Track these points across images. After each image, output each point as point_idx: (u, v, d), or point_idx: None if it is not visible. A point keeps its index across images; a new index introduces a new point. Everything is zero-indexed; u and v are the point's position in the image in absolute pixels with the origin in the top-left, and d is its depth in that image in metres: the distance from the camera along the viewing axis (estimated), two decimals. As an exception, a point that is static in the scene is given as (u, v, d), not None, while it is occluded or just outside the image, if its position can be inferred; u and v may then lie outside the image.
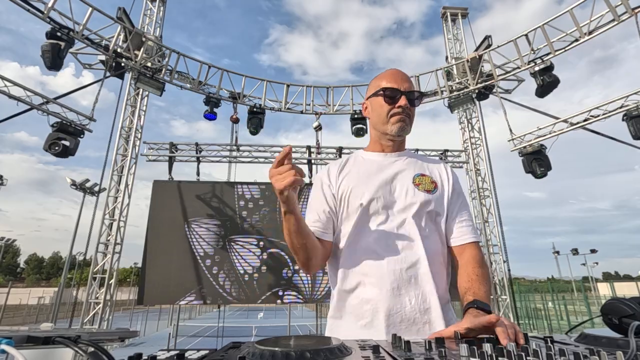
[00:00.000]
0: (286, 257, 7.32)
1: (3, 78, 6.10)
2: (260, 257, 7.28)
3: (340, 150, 8.71)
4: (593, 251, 35.19)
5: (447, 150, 8.88)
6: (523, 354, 0.50)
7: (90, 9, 6.74)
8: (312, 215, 1.25)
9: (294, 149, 8.11)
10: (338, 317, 1.19)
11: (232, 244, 7.31)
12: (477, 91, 8.57)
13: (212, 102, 8.34)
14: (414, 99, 1.24)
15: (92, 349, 0.50)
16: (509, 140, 8.12)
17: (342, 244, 1.22)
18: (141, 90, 8.10)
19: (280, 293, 7.14)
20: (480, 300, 0.98)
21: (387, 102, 1.24)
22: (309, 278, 7.22)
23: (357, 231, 1.19)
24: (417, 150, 8.65)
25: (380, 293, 1.11)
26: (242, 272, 7.15)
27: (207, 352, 0.69)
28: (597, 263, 39.71)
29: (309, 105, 8.99)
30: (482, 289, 1.04)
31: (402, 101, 1.22)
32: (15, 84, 6.23)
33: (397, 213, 1.18)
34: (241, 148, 8.62)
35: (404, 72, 1.31)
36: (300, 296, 7.20)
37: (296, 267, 7.25)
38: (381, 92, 1.25)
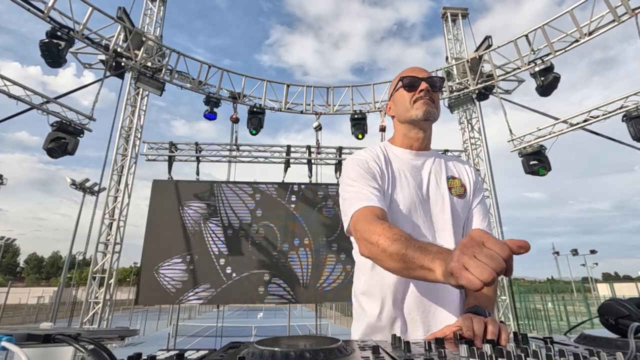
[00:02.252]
0: (286, 257, 7.32)
1: (3, 77, 6.10)
2: (260, 257, 7.28)
3: (340, 150, 8.72)
4: (593, 252, 35.19)
5: (447, 151, 8.87)
6: (523, 354, 0.50)
7: (91, 8, 6.74)
8: (368, 190, 1.09)
9: (294, 149, 7.99)
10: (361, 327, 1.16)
11: (232, 243, 7.31)
12: (477, 91, 8.58)
13: (212, 102, 8.34)
14: (435, 84, 1.22)
15: (93, 347, 0.50)
16: (508, 141, 8.12)
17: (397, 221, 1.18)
18: (141, 90, 8.10)
19: (279, 293, 7.14)
20: (480, 305, 0.96)
21: (408, 91, 1.22)
22: (309, 276, 7.22)
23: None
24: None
25: (408, 302, 1.10)
26: (241, 271, 7.14)
27: (206, 352, 0.69)
28: (596, 264, 39.77)
29: (309, 105, 8.99)
30: (486, 291, 0.99)
31: (423, 85, 1.20)
32: (15, 83, 6.23)
33: (434, 219, 1.17)
34: (241, 148, 8.62)
35: (429, 72, 1.31)
36: (297, 296, 7.20)
37: (292, 266, 7.25)
38: (400, 82, 1.25)
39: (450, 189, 1.21)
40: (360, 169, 1.17)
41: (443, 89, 8.75)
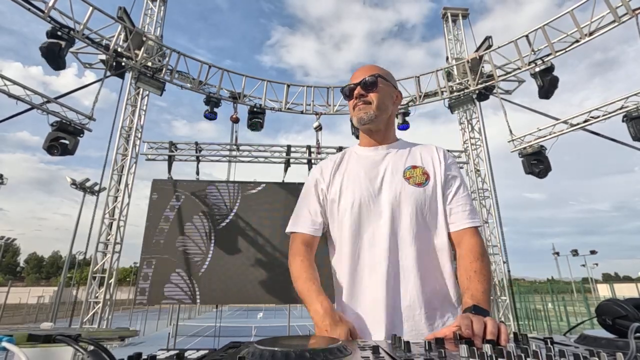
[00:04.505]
0: (284, 257, 7.31)
1: (3, 77, 6.11)
2: (260, 256, 7.28)
3: (340, 150, 8.72)
4: (593, 252, 35.18)
5: (448, 151, 8.86)
6: (523, 355, 0.50)
7: (91, 8, 6.75)
8: (304, 214, 1.29)
9: (294, 149, 8.04)
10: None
11: (232, 243, 7.31)
12: (477, 92, 8.58)
13: (213, 102, 8.35)
14: (367, 85, 1.22)
15: (93, 347, 0.50)
16: (509, 141, 8.13)
17: (337, 246, 1.25)
18: (141, 89, 8.11)
19: (278, 292, 7.14)
20: (479, 305, 0.95)
21: (348, 99, 1.29)
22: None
23: (350, 233, 1.19)
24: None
25: (372, 295, 1.12)
26: (241, 271, 7.14)
27: (206, 351, 0.69)
28: (596, 264, 39.76)
29: (309, 105, 8.99)
30: (480, 289, 1.01)
31: (357, 91, 1.24)
32: (15, 83, 6.24)
33: (388, 211, 1.15)
34: (241, 148, 8.62)
35: (369, 65, 1.31)
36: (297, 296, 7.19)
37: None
38: (343, 93, 1.31)
39: (408, 178, 1.19)
40: (308, 185, 1.34)
41: (443, 90, 8.74)
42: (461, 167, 8.96)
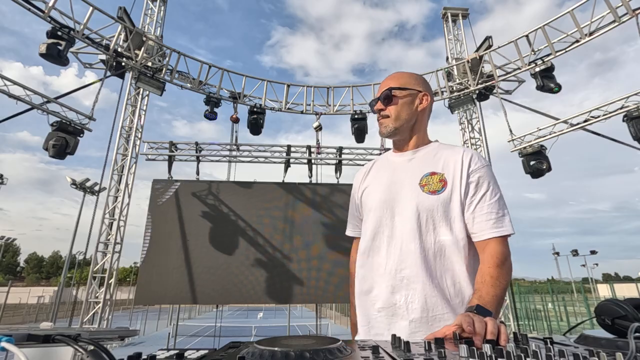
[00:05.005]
0: (286, 257, 7.32)
1: (3, 77, 6.10)
2: (260, 256, 7.28)
3: (340, 151, 8.72)
4: (593, 252, 35.17)
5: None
6: (522, 354, 0.50)
7: (91, 8, 6.74)
8: (351, 220, 1.50)
9: (294, 149, 8.05)
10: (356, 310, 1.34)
11: (232, 243, 7.31)
12: (477, 92, 8.57)
13: (213, 102, 8.34)
14: (383, 99, 1.29)
15: (92, 347, 0.50)
16: (509, 141, 8.12)
17: (360, 246, 1.35)
18: (141, 89, 8.10)
19: (278, 292, 7.13)
20: (483, 305, 0.94)
21: (374, 113, 1.37)
22: (303, 276, 7.21)
23: (368, 234, 1.28)
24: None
25: (378, 293, 1.20)
26: (241, 271, 7.14)
27: (206, 351, 0.69)
28: (597, 264, 39.73)
29: (310, 105, 8.99)
30: (492, 293, 1.00)
31: (377, 106, 1.32)
32: (15, 83, 6.23)
33: (399, 217, 1.21)
34: (241, 148, 8.62)
35: (389, 76, 1.34)
36: (297, 296, 7.20)
37: (292, 266, 7.25)
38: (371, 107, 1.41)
39: (423, 186, 1.20)
40: (353, 189, 1.49)
41: (443, 90, 8.74)
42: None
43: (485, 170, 1.20)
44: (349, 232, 1.50)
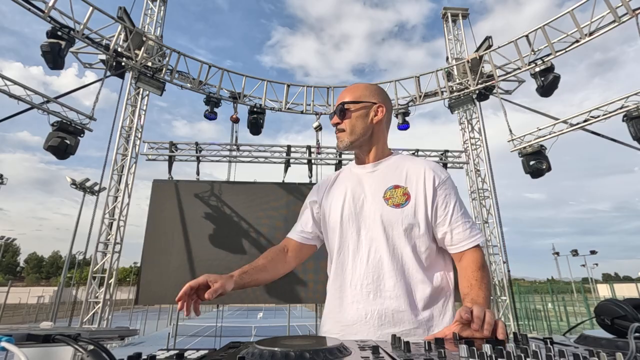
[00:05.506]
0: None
1: (3, 77, 6.11)
2: (258, 256, 7.27)
3: (339, 152, 8.71)
4: (593, 252, 35.19)
5: (448, 151, 8.88)
6: (522, 355, 0.50)
7: (91, 8, 6.75)
8: (298, 225, 1.45)
9: (294, 149, 8.05)
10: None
11: (232, 243, 7.31)
12: (477, 92, 8.58)
13: (213, 102, 8.35)
14: (338, 113, 1.29)
15: (92, 347, 0.50)
16: (509, 141, 8.13)
17: (329, 260, 1.34)
18: (141, 89, 8.11)
19: (278, 292, 7.14)
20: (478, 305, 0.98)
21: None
22: (304, 278, 7.22)
23: (333, 249, 1.28)
24: (416, 151, 8.65)
25: (346, 308, 1.19)
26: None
27: (206, 352, 0.69)
28: (597, 264, 39.76)
29: (309, 105, 8.99)
30: (481, 295, 1.04)
31: (333, 121, 1.32)
32: (15, 82, 6.23)
33: (365, 231, 1.21)
34: (241, 148, 8.62)
35: (349, 87, 1.35)
36: (297, 296, 7.20)
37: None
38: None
39: (387, 199, 1.21)
40: (307, 199, 1.46)
41: (443, 90, 8.74)
42: (461, 168, 8.96)
43: (449, 183, 1.24)
44: (288, 234, 1.48)
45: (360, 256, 1.20)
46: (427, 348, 0.64)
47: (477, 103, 8.85)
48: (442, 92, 8.82)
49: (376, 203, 1.22)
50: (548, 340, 0.65)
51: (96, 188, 15.57)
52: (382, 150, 1.33)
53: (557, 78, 7.44)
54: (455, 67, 8.95)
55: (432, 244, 1.20)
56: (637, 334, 0.57)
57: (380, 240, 1.17)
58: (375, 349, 0.64)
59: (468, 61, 8.55)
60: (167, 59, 8.12)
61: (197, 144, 8.41)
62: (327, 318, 1.27)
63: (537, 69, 7.54)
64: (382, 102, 1.30)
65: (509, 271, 8.02)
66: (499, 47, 8.13)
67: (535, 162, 7.66)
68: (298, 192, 7.81)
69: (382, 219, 1.18)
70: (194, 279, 1.04)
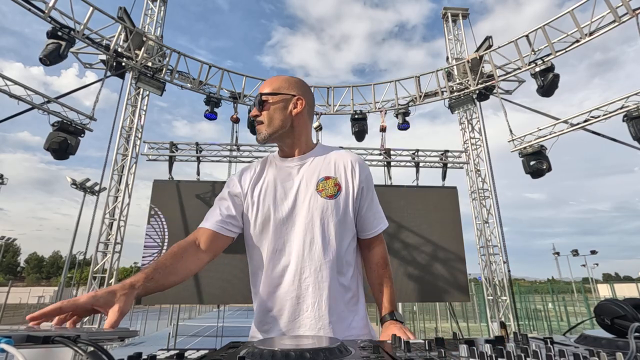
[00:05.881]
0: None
1: (3, 77, 6.11)
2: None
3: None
4: (593, 252, 35.19)
5: (448, 151, 8.88)
6: (523, 354, 0.50)
7: (91, 8, 6.75)
8: (214, 215, 1.28)
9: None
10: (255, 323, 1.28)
11: (232, 243, 7.30)
12: (477, 92, 8.57)
13: (213, 102, 8.35)
14: (257, 105, 1.26)
15: (92, 349, 0.50)
16: (509, 141, 8.12)
17: (253, 255, 1.27)
18: (142, 89, 8.11)
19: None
20: (393, 310, 1.19)
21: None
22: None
23: (264, 243, 1.22)
24: (417, 151, 8.64)
25: (282, 303, 1.17)
26: (241, 270, 7.14)
27: (206, 351, 0.69)
28: (597, 264, 39.72)
29: (310, 105, 8.98)
30: (392, 291, 1.24)
31: (252, 113, 1.30)
32: (16, 82, 6.24)
33: (301, 223, 1.19)
34: (241, 148, 8.62)
35: (268, 79, 1.32)
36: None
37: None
38: None
39: (320, 191, 1.22)
40: (224, 189, 1.34)
41: (443, 90, 8.74)
42: (461, 167, 8.96)
43: (369, 175, 1.32)
44: (203, 224, 1.29)
45: (295, 249, 1.18)
46: (427, 348, 0.64)
47: (477, 103, 8.85)
48: (442, 92, 8.82)
49: (309, 195, 1.22)
50: (548, 340, 0.65)
51: (96, 188, 15.58)
52: (307, 142, 1.33)
53: (557, 77, 7.44)
54: (455, 67, 8.95)
55: (355, 232, 1.28)
56: (637, 334, 0.57)
57: (317, 231, 1.18)
58: (375, 349, 0.64)
59: (468, 61, 8.55)
60: (167, 59, 8.13)
61: (197, 144, 8.41)
62: (267, 327, 1.20)
63: (537, 69, 7.54)
64: (301, 94, 1.29)
65: (509, 271, 8.02)
66: (499, 47, 8.13)
67: (536, 162, 7.66)
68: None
69: (316, 211, 1.19)
70: (72, 298, 0.82)
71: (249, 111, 8.54)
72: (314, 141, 1.38)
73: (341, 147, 1.42)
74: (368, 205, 1.28)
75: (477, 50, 8.70)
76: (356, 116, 8.70)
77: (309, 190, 1.23)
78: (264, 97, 1.25)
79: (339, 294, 1.18)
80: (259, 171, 1.33)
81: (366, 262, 1.31)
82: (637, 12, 6.42)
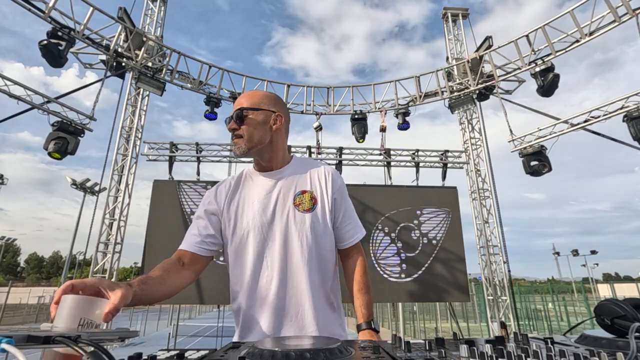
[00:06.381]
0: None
1: (4, 77, 6.11)
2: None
3: (340, 151, 8.71)
4: (593, 252, 35.21)
5: (448, 151, 8.87)
6: (523, 354, 0.50)
7: (91, 8, 6.75)
8: (192, 236, 1.27)
9: (294, 149, 8.03)
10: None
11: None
12: (477, 92, 8.57)
13: (213, 102, 8.35)
14: (235, 118, 1.26)
15: (93, 349, 0.50)
16: (509, 141, 8.12)
17: (233, 270, 1.27)
18: (142, 90, 8.11)
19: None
20: (371, 320, 1.19)
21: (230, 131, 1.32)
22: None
23: (244, 258, 1.22)
24: (417, 151, 8.64)
25: (265, 316, 1.18)
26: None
27: (207, 352, 0.69)
28: (597, 264, 39.74)
29: (310, 105, 8.99)
30: (369, 299, 1.24)
31: (230, 126, 1.28)
32: (16, 83, 6.24)
33: (279, 238, 1.21)
34: (241, 148, 8.61)
35: (246, 93, 1.33)
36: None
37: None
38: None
39: (297, 205, 1.24)
40: (200, 207, 1.32)
41: (443, 90, 8.74)
42: (461, 168, 8.96)
43: (344, 186, 1.34)
44: (181, 246, 1.29)
45: (275, 264, 1.19)
46: (427, 348, 0.64)
47: (477, 103, 8.85)
48: (442, 92, 8.81)
49: (287, 210, 1.23)
50: (549, 340, 0.65)
51: (96, 188, 15.58)
52: (283, 157, 1.34)
53: (557, 77, 7.43)
54: (455, 67, 8.95)
55: (334, 243, 1.30)
56: (637, 334, 0.57)
57: (296, 245, 1.20)
58: (375, 349, 0.64)
59: (468, 61, 8.55)
60: (167, 59, 8.13)
61: (197, 144, 8.41)
62: (255, 335, 1.20)
63: (538, 69, 7.53)
64: (280, 111, 1.30)
65: (509, 271, 8.01)
66: (499, 47, 8.13)
67: (536, 162, 7.66)
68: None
69: (295, 225, 1.21)
70: (81, 279, 0.83)
71: (226, 122, 8.54)
72: (294, 153, 1.41)
73: (319, 159, 1.43)
74: (343, 215, 1.30)
75: (477, 50, 8.70)
76: (356, 116, 8.70)
77: (286, 204, 1.24)
78: (244, 112, 1.25)
79: (320, 304, 1.21)
80: (234, 186, 1.32)
81: (345, 271, 1.34)
82: (637, 12, 6.42)
